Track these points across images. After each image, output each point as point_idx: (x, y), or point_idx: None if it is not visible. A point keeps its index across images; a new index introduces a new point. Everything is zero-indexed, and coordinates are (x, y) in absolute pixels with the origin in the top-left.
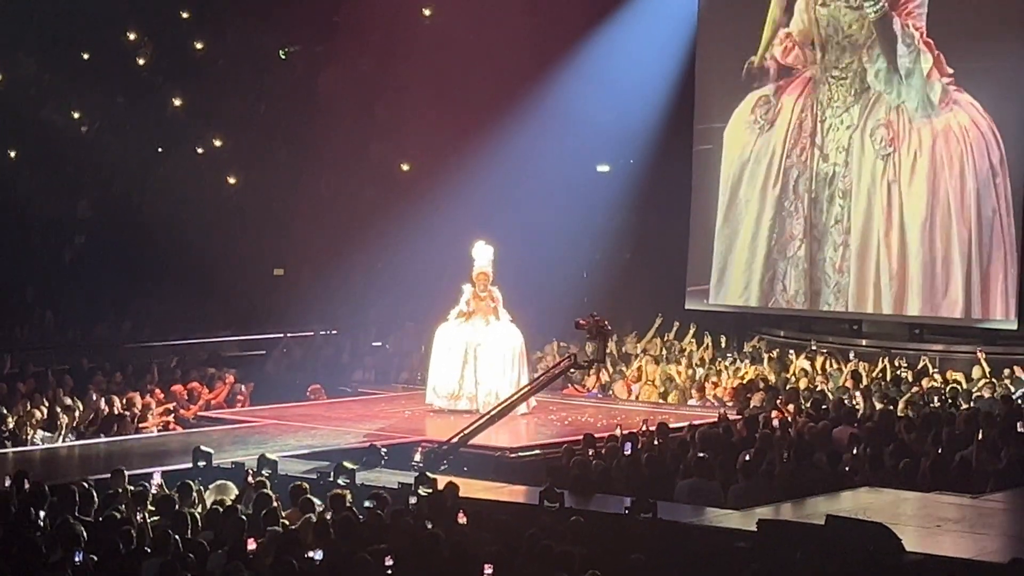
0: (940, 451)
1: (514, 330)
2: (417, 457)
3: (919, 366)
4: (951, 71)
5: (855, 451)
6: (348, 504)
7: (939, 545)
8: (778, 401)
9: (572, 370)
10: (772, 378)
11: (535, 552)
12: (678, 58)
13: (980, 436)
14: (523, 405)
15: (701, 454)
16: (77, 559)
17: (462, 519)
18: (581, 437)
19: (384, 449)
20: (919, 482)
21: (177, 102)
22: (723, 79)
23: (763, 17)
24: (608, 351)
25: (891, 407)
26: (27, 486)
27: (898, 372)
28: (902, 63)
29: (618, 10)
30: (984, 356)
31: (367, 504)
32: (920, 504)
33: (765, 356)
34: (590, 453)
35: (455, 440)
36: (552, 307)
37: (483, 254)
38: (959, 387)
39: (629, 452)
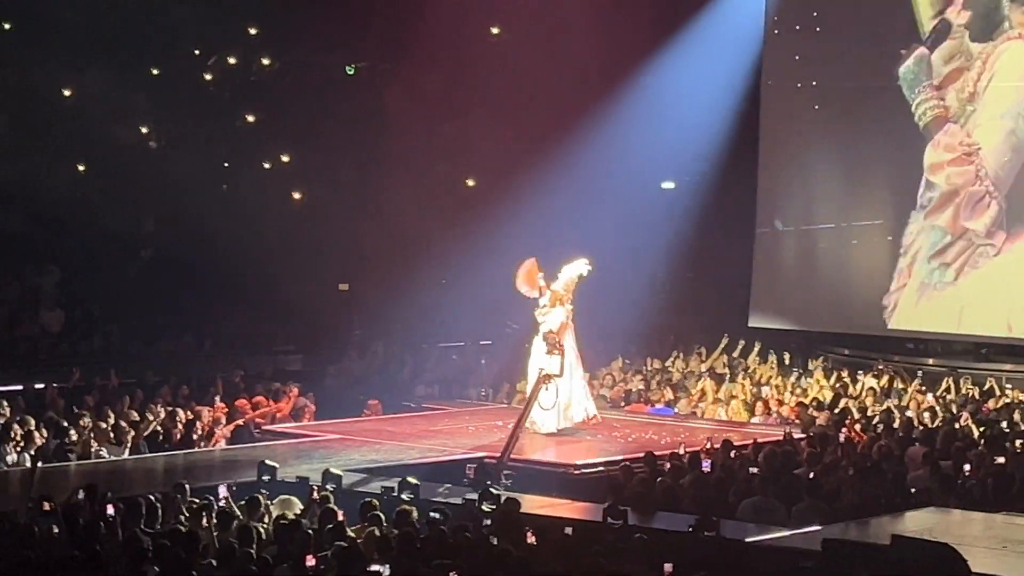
0: (1006, 471)
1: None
2: (471, 474)
3: (985, 386)
4: None
5: (922, 471)
6: (412, 519)
7: (1006, 567)
8: (846, 420)
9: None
10: (838, 396)
11: (597, 570)
12: (744, 74)
13: None
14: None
15: (765, 472)
16: (143, 572)
17: (531, 538)
18: (643, 455)
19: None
20: (985, 502)
21: (245, 118)
22: (789, 97)
23: (831, 35)
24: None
25: (956, 427)
26: (98, 499)
27: (965, 392)
28: None
29: (685, 27)
30: None
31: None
32: (986, 525)
33: (822, 374)
34: (658, 470)
35: (503, 458)
36: (615, 325)
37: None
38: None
39: (709, 470)
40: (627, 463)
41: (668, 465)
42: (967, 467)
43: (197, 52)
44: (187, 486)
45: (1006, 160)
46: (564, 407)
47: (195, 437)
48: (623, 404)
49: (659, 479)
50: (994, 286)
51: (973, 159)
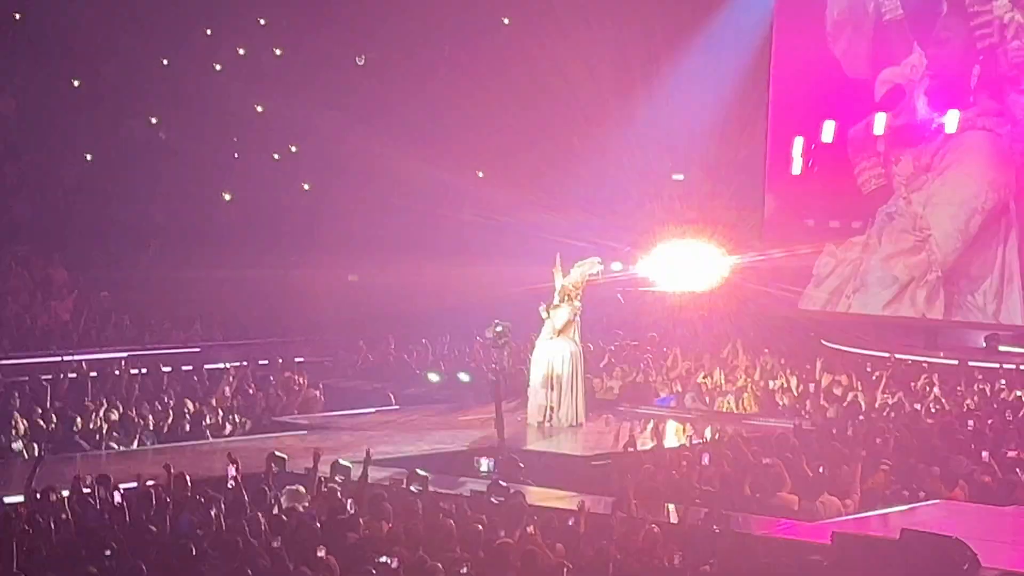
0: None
1: None
2: (483, 467)
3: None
4: None
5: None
6: (419, 511)
7: (1016, 561)
8: (857, 413)
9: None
10: (848, 389)
11: (604, 561)
12: (753, 69)
13: None
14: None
15: (775, 465)
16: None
17: (530, 529)
18: (651, 447)
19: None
20: (996, 496)
21: (254, 108)
22: (796, 89)
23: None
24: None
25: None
26: (104, 489)
27: (975, 386)
28: None
29: (696, 22)
30: None
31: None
32: (997, 518)
33: (833, 367)
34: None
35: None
36: (623, 316)
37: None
38: None
39: (707, 462)
40: (640, 455)
41: (678, 458)
42: (984, 455)
43: (207, 42)
44: (187, 477)
45: (954, 249)
46: (552, 406)
47: (204, 427)
48: (629, 396)
49: (672, 472)
50: None
51: (925, 245)
